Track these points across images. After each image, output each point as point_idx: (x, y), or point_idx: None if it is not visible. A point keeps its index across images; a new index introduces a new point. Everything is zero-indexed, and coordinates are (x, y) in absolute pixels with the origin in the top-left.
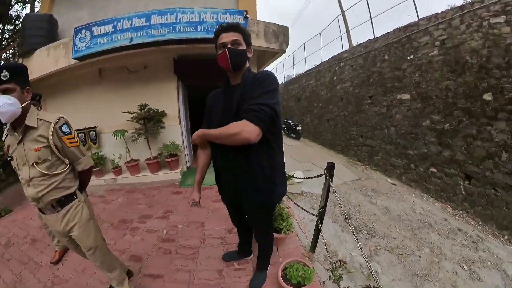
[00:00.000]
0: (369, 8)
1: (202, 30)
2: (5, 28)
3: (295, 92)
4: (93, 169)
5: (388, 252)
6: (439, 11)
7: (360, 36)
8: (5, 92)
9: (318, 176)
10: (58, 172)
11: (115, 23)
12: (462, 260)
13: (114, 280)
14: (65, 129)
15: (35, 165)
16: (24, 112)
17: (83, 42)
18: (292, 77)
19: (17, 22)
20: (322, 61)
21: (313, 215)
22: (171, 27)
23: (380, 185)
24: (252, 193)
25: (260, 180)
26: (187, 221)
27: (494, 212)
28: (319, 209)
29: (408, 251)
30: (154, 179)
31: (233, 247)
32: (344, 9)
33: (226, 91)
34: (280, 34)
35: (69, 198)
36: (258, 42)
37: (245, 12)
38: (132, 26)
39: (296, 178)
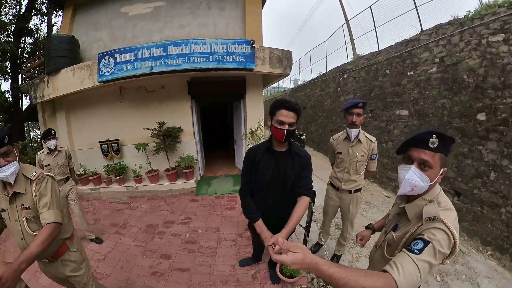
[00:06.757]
0: (373, 18)
1: (214, 60)
2: (26, 41)
3: (301, 100)
4: (116, 177)
5: (368, 259)
6: (441, 23)
7: (365, 45)
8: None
9: None
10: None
11: (136, 51)
12: (436, 271)
13: None
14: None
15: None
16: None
17: (107, 67)
18: (299, 82)
19: (36, 35)
20: (327, 69)
21: (302, 227)
22: (186, 58)
23: (375, 197)
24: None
25: (292, 205)
26: (205, 227)
27: (480, 228)
28: (306, 224)
29: None
30: (172, 187)
31: (242, 248)
32: (349, 18)
33: (273, 154)
34: (284, 59)
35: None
36: (263, 68)
37: (252, 42)
38: (151, 55)
39: None
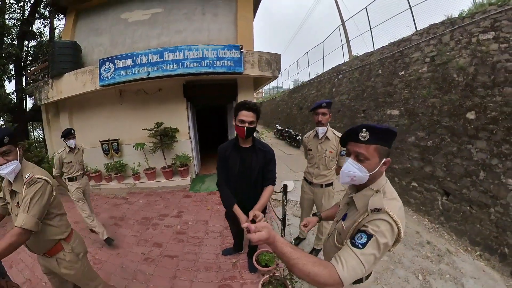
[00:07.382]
0: (368, 19)
1: (205, 65)
2: (29, 45)
3: (298, 101)
4: (116, 175)
5: None
6: (432, 23)
7: (362, 46)
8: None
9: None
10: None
11: (134, 58)
12: (418, 270)
13: None
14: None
15: None
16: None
17: (107, 72)
18: (298, 82)
19: (39, 38)
20: (324, 70)
21: (279, 219)
22: (180, 63)
23: None
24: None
25: (257, 198)
26: (195, 219)
27: (468, 228)
28: (282, 217)
29: None
30: (168, 184)
31: (227, 239)
32: (345, 19)
33: (239, 150)
34: (273, 62)
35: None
36: (253, 71)
37: (240, 47)
38: (149, 61)
39: None
